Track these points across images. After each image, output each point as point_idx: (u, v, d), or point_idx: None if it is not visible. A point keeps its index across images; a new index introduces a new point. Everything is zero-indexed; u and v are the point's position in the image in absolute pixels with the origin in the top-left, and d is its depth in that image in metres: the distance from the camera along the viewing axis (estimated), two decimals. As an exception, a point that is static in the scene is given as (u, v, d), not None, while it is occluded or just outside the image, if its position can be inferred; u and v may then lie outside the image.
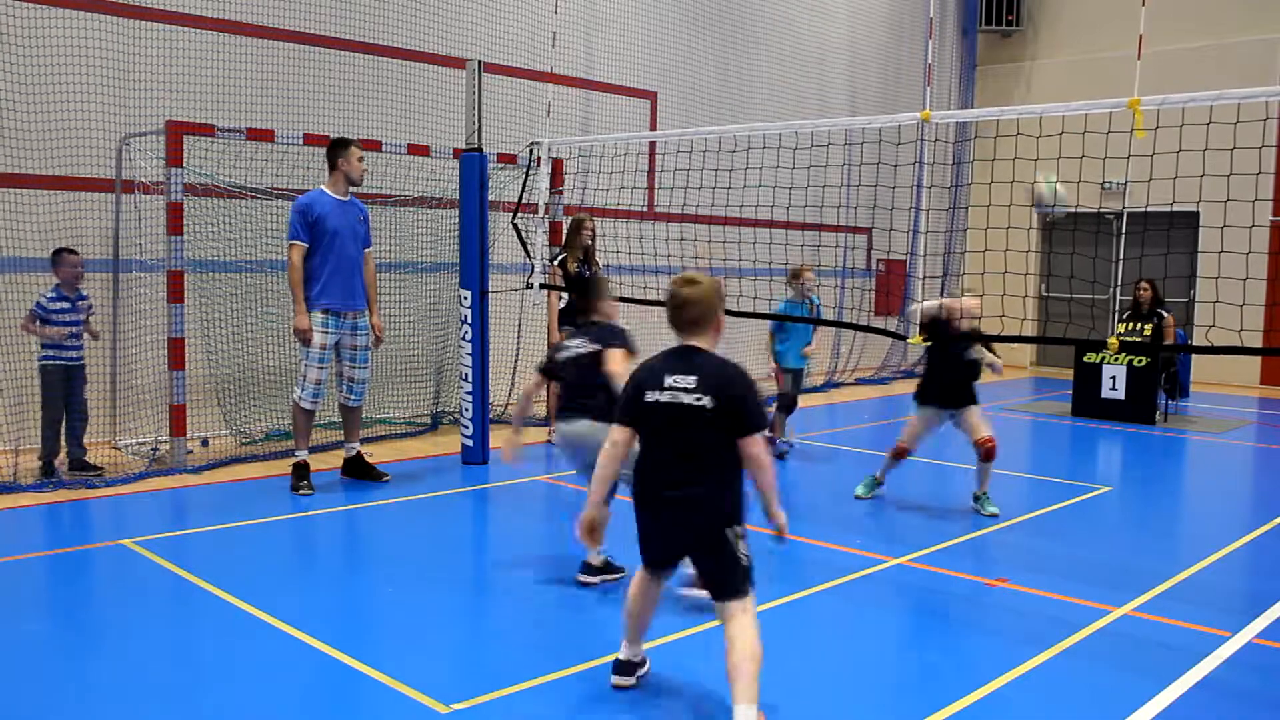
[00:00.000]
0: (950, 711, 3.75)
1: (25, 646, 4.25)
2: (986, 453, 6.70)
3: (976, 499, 6.85)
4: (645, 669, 3.95)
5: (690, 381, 3.55)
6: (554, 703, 3.79)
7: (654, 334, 12.89)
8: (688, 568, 4.09)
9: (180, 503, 6.75)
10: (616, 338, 5.08)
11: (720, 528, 3.58)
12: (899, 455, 7.10)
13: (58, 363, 6.98)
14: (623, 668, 3.89)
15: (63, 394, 6.99)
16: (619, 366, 4.81)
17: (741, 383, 3.56)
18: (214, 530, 6.01)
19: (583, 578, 5.13)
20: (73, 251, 7.11)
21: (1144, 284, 10.97)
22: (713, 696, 3.87)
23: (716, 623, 4.60)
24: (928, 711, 3.74)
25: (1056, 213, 6.74)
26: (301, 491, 6.83)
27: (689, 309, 3.65)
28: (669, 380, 3.58)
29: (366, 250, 7.13)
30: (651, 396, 3.60)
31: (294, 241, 6.76)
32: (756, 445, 3.54)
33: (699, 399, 3.52)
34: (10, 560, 5.33)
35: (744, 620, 3.55)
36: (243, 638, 4.35)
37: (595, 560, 5.13)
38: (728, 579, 3.59)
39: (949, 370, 6.82)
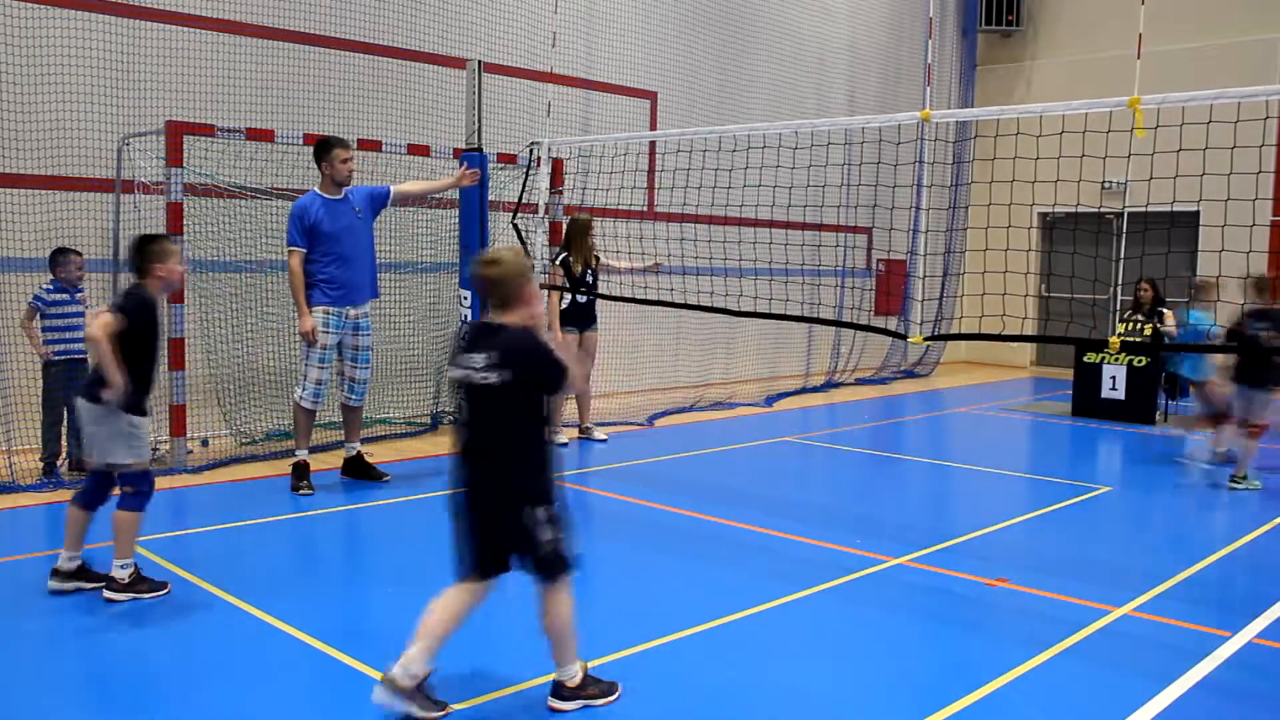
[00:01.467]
0: (950, 712, 3.75)
1: (25, 646, 4.25)
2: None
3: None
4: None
5: (481, 360, 3.55)
6: (554, 703, 3.78)
7: (654, 333, 12.92)
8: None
9: (180, 503, 6.75)
10: (119, 300, 4.81)
11: (519, 509, 3.56)
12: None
13: (65, 357, 6.96)
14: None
15: (64, 391, 6.97)
16: (95, 330, 4.56)
17: (541, 354, 3.59)
18: (214, 530, 6.01)
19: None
20: (76, 253, 7.10)
21: (1144, 284, 10.97)
22: (714, 697, 3.87)
23: (717, 623, 4.62)
24: (928, 711, 3.74)
25: None
26: (302, 491, 6.83)
27: (493, 289, 3.64)
28: (467, 359, 3.60)
29: (394, 188, 7.32)
30: (451, 373, 3.67)
31: (292, 248, 6.79)
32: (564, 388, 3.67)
33: (487, 376, 3.53)
34: (10, 560, 5.33)
35: (555, 600, 3.67)
36: (243, 638, 4.35)
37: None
38: (539, 564, 3.63)
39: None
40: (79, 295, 7.10)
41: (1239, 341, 7.37)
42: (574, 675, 3.73)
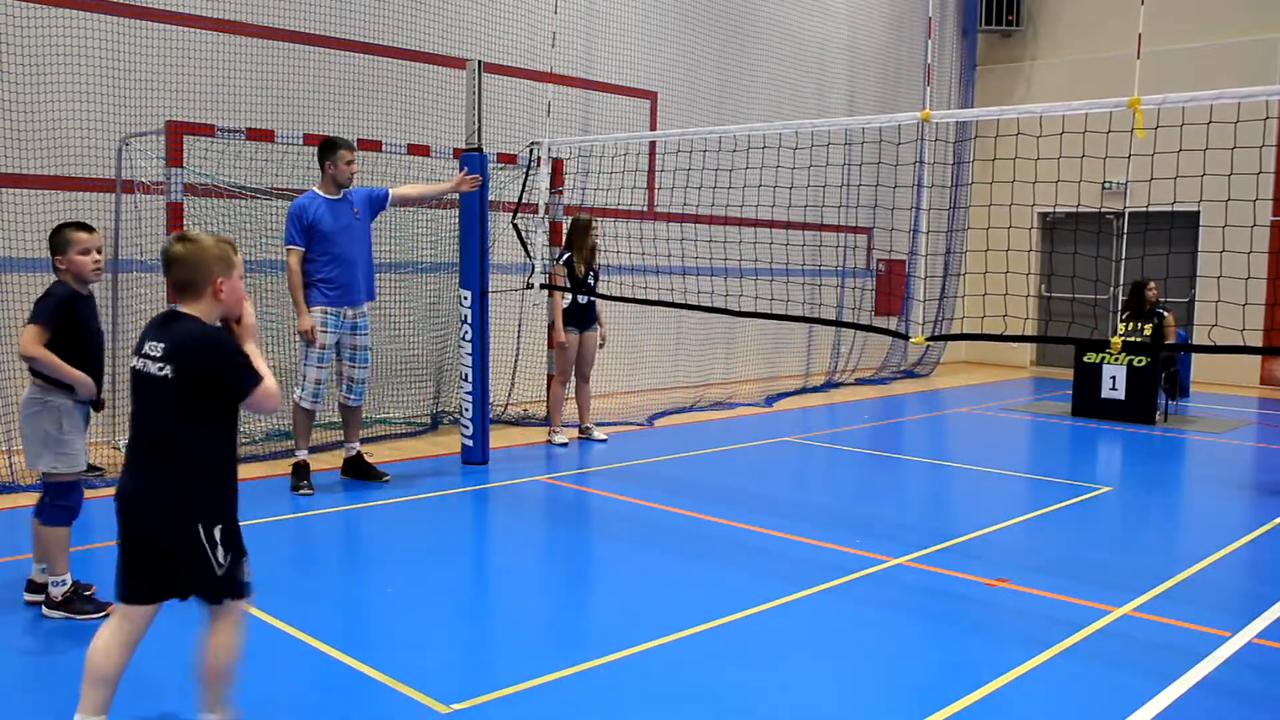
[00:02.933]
0: (950, 711, 3.75)
1: (25, 646, 4.25)
2: None
3: None
4: None
5: (159, 350, 3.13)
6: (554, 703, 3.79)
7: (654, 333, 12.94)
8: None
9: (180, 503, 6.74)
10: (35, 306, 4.45)
11: (188, 526, 3.11)
12: None
13: None
14: None
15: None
16: (24, 345, 4.36)
17: (216, 350, 3.14)
18: (214, 530, 6.00)
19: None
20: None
21: (1153, 283, 10.98)
22: (714, 697, 3.87)
23: (717, 623, 4.62)
24: (928, 711, 3.74)
25: None
26: (301, 491, 6.83)
27: (175, 269, 3.19)
28: (145, 347, 3.18)
29: (392, 190, 7.37)
30: (132, 362, 3.22)
31: (290, 247, 6.80)
32: (253, 399, 3.15)
33: (162, 368, 3.10)
34: (10, 560, 5.32)
35: (223, 627, 3.23)
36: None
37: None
38: (206, 585, 3.18)
39: None
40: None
41: None
42: None
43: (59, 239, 4.54)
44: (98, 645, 3.22)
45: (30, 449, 4.53)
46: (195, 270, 3.17)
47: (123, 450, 7.72)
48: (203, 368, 3.12)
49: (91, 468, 7.09)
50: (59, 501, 4.51)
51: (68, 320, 4.46)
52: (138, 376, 3.18)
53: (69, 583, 4.53)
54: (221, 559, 3.16)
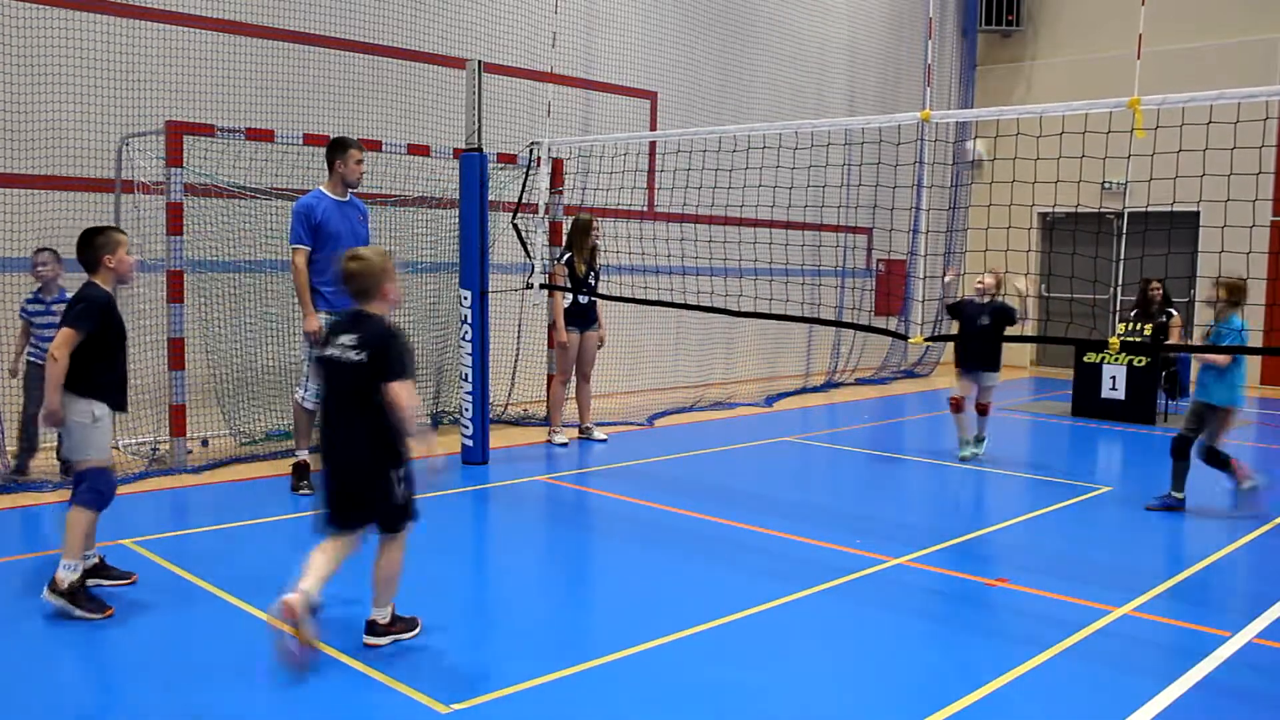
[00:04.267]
0: (950, 712, 3.75)
1: (25, 646, 4.25)
2: None
3: None
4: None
5: (353, 340, 4.07)
6: (554, 703, 3.79)
7: (654, 333, 12.91)
8: None
9: (180, 503, 6.75)
10: (71, 309, 4.58)
11: (380, 472, 4.12)
12: None
13: (38, 363, 6.90)
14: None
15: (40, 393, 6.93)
16: (53, 348, 4.48)
17: (396, 340, 4.13)
18: (214, 530, 6.01)
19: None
20: (49, 249, 6.96)
21: (1155, 283, 10.97)
22: (714, 697, 3.87)
23: (717, 623, 4.62)
24: (928, 711, 3.74)
25: None
26: (301, 491, 6.82)
27: (353, 281, 4.16)
28: (339, 339, 4.12)
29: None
30: (325, 352, 4.17)
31: (297, 245, 6.73)
32: (392, 392, 4.01)
33: (359, 354, 4.04)
34: (10, 560, 5.33)
35: (392, 548, 4.25)
36: (243, 638, 4.35)
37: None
38: (388, 514, 4.19)
39: None
40: (54, 306, 6.99)
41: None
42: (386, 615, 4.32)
43: (106, 239, 4.66)
44: (318, 553, 4.13)
45: (68, 441, 4.67)
46: (369, 280, 4.12)
47: (123, 449, 7.74)
48: (386, 352, 4.02)
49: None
50: (98, 486, 4.63)
51: (109, 321, 4.61)
52: (332, 363, 4.11)
53: (79, 574, 4.55)
54: (400, 495, 4.15)
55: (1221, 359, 6.59)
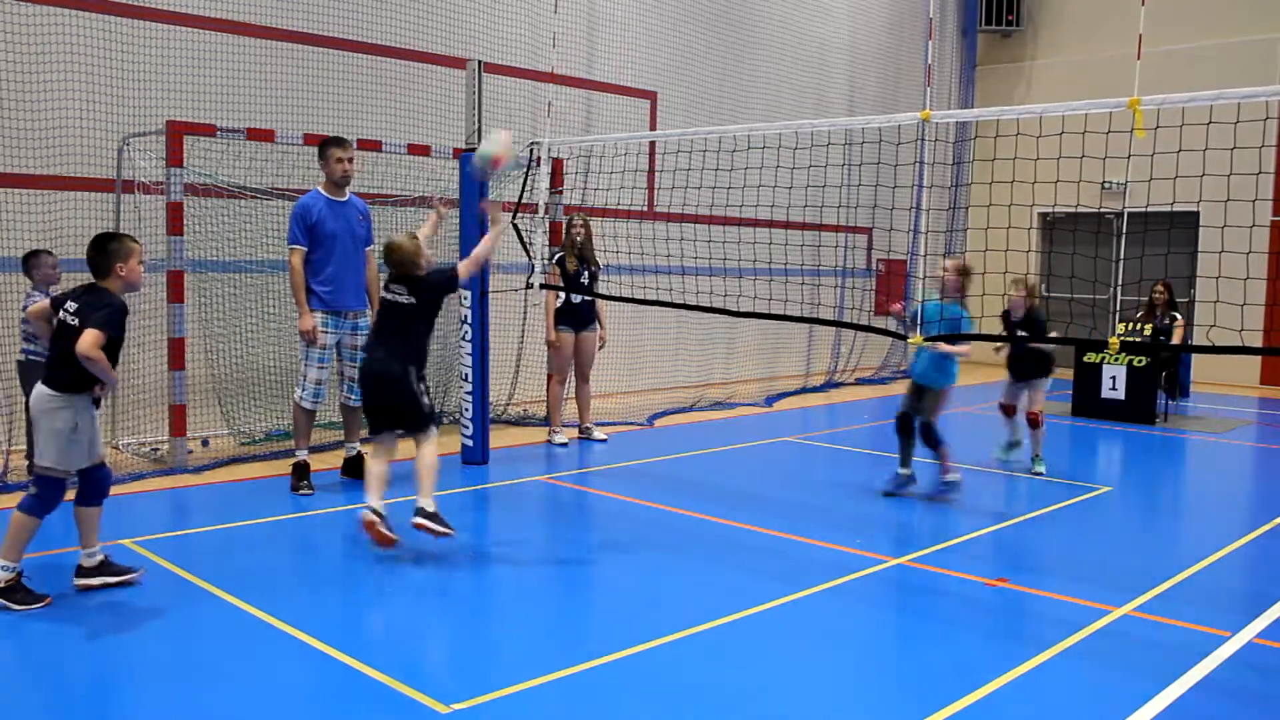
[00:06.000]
0: (949, 712, 3.75)
1: (25, 646, 4.25)
2: None
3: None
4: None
5: (404, 289, 5.59)
6: (554, 703, 3.79)
7: (654, 333, 12.88)
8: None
9: (180, 503, 6.75)
10: (97, 313, 4.60)
11: (407, 387, 5.53)
12: None
13: (38, 359, 6.88)
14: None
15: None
16: (89, 349, 4.48)
17: (447, 281, 5.72)
18: (214, 530, 6.01)
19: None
20: (49, 253, 7.01)
21: (1159, 286, 10.97)
22: (715, 697, 3.88)
23: (717, 623, 4.63)
24: (927, 712, 3.74)
25: (507, 172, 7.15)
26: (301, 491, 6.83)
27: (395, 262, 5.60)
28: (393, 287, 5.63)
29: (368, 249, 7.15)
30: (383, 295, 5.70)
31: (294, 246, 6.78)
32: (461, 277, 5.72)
33: (411, 300, 5.56)
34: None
35: (426, 445, 5.58)
36: (243, 638, 4.36)
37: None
38: (416, 419, 5.61)
39: None
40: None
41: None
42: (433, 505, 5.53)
43: (120, 247, 4.72)
44: (373, 465, 5.59)
45: (39, 442, 4.69)
46: (410, 262, 5.58)
47: (123, 449, 7.75)
48: (436, 295, 5.66)
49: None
50: (45, 495, 4.69)
51: (121, 330, 4.70)
52: (388, 304, 5.61)
53: (15, 573, 4.63)
54: (426, 403, 5.61)
55: (962, 348, 6.86)
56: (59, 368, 4.64)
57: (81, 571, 4.86)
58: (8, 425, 7.17)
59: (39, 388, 4.69)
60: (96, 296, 4.65)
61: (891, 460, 7.50)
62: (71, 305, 4.66)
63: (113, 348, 4.66)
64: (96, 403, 4.82)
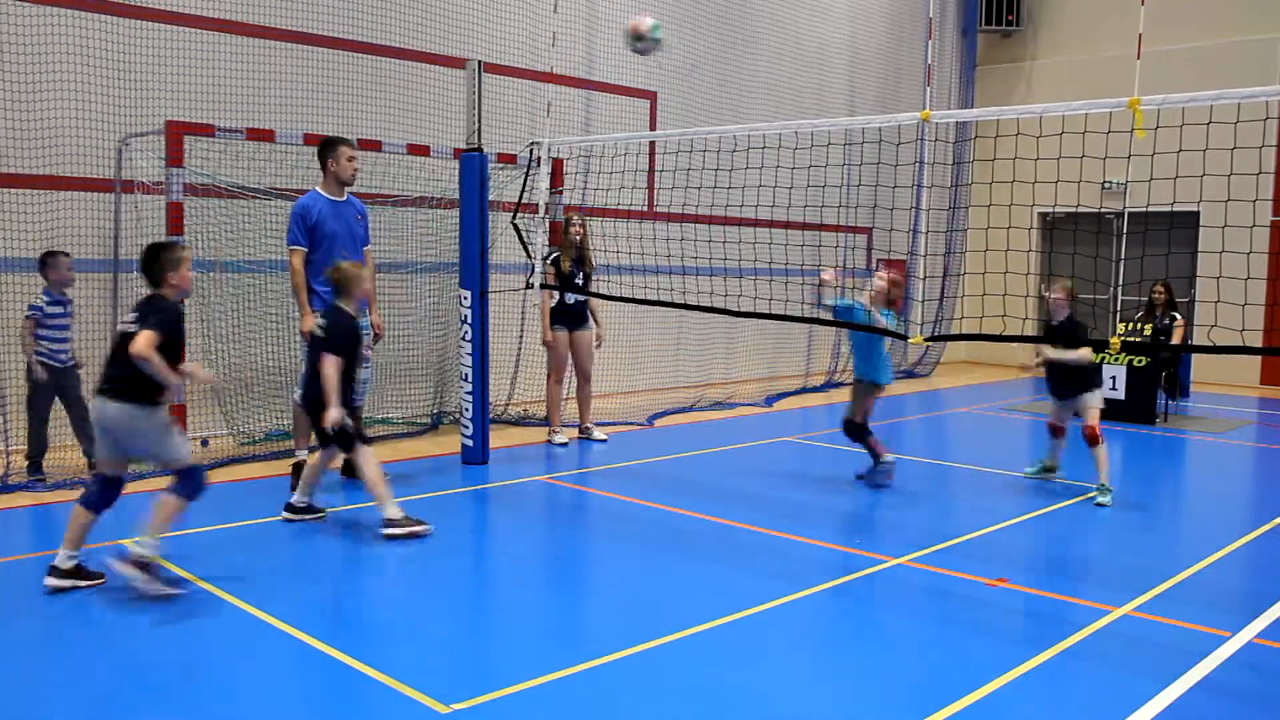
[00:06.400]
0: (950, 711, 3.75)
1: (25, 646, 4.25)
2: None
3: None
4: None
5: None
6: (554, 703, 3.79)
7: (654, 333, 12.89)
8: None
9: (180, 503, 6.73)
10: (151, 317, 4.76)
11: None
12: None
13: (49, 363, 6.89)
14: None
15: (51, 394, 6.93)
16: (143, 349, 4.60)
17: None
18: (214, 530, 6.01)
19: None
20: (65, 253, 7.04)
21: (1159, 286, 10.97)
22: (715, 697, 3.87)
23: (717, 623, 4.63)
24: (927, 712, 3.74)
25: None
26: (301, 491, 6.83)
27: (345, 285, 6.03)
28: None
29: (366, 249, 7.15)
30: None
31: (294, 247, 6.78)
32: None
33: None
34: (10, 560, 5.33)
35: (363, 459, 5.88)
36: (243, 637, 4.36)
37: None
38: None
39: None
40: (70, 307, 7.02)
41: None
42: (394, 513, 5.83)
43: (171, 256, 4.89)
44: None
45: (155, 446, 4.84)
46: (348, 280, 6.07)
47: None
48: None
49: (93, 466, 7.08)
50: (190, 481, 4.91)
51: (177, 332, 4.85)
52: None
53: (156, 551, 4.83)
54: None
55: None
56: (130, 381, 4.71)
57: (55, 572, 4.84)
58: (7, 425, 7.17)
59: (115, 406, 4.73)
60: (151, 304, 4.83)
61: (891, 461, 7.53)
62: (130, 315, 4.82)
63: (171, 351, 4.76)
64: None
